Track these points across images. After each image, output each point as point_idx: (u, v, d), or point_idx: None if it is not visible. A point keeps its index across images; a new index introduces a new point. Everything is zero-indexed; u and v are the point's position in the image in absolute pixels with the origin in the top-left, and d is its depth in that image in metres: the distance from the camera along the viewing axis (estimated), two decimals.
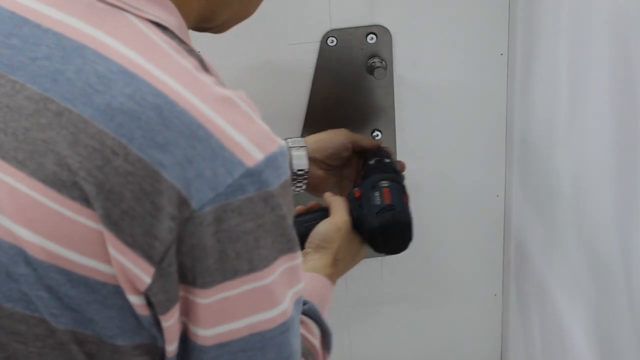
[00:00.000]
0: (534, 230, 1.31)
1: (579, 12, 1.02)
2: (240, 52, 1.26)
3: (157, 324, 0.66)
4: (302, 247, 1.12)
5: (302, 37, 1.29)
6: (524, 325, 1.42)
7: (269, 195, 0.64)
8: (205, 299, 0.64)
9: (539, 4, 1.17)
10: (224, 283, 0.64)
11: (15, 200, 0.63)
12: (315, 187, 1.23)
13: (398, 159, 1.33)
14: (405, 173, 1.27)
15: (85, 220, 0.62)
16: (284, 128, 1.31)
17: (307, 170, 1.19)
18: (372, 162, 1.23)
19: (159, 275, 0.63)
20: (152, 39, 0.65)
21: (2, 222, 0.63)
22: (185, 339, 0.67)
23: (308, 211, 1.19)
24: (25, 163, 0.62)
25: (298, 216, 1.18)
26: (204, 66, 0.67)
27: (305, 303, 0.91)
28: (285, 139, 1.21)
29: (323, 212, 1.17)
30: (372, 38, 1.29)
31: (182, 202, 0.61)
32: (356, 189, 1.18)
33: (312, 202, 1.22)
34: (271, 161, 0.64)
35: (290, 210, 0.68)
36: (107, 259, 0.63)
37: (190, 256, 0.63)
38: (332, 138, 1.24)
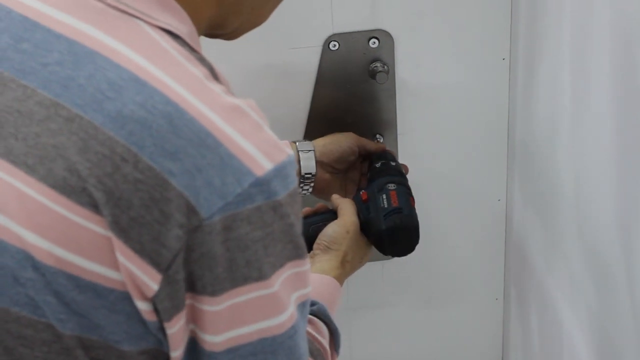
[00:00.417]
0: (535, 235, 1.31)
1: (580, 16, 1.02)
2: (242, 55, 1.26)
3: (164, 330, 0.66)
4: (310, 249, 1.12)
5: (304, 42, 1.29)
6: (524, 329, 1.42)
7: (277, 204, 0.64)
8: (215, 306, 0.65)
9: (541, 8, 1.17)
10: (234, 290, 0.65)
11: (24, 205, 0.63)
12: (321, 190, 1.24)
13: (400, 162, 1.33)
14: (408, 176, 1.27)
15: (93, 226, 0.62)
16: (286, 132, 1.31)
17: (314, 173, 1.20)
18: (378, 165, 1.23)
19: (166, 283, 0.63)
20: (163, 46, 0.65)
21: (11, 226, 0.63)
22: (194, 346, 0.68)
23: (315, 213, 1.20)
24: (35, 168, 0.62)
25: (305, 218, 1.18)
26: (215, 75, 0.67)
27: (314, 304, 0.92)
28: (294, 142, 1.21)
29: (330, 214, 1.17)
30: (375, 42, 1.29)
31: (191, 211, 0.61)
32: (363, 191, 1.19)
33: (320, 204, 1.22)
34: (280, 170, 0.64)
35: (298, 218, 0.68)
36: (115, 265, 0.63)
37: (200, 265, 0.63)
38: (340, 141, 1.25)
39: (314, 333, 0.87)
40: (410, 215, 1.16)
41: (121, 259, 0.62)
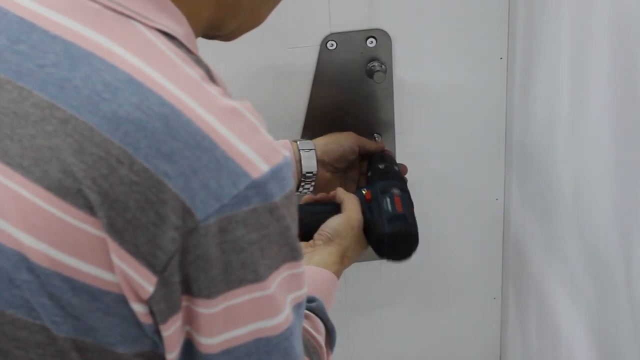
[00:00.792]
0: (533, 234, 1.31)
1: (579, 15, 1.02)
2: (240, 55, 1.26)
3: (159, 332, 0.66)
4: (310, 237, 1.13)
5: (302, 41, 1.29)
6: (523, 328, 1.42)
7: (273, 207, 0.64)
8: (211, 308, 0.64)
9: (539, 7, 1.17)
10: (229, 292, 0.64)
11: (19, 207, 0.63)
12: (321, 189, 1.24)
13: (398, 162, 1.33)
14: (406, 176, 1.27)
15: (89, 228, 0.62)
16: (284, 132, 1.31)
17: (315, 172, 1.20)
18: (381, 166, 1.24)
19: (162, 285, 0.63)
20: (159, 48, 0.65)
21: (6, 228, 0.63)
22: (190, 348, 0.67)
23: (316, 202, 1.20)
24: (30, 170, 0.62)
25: (306, 205, 1.19)
26: (211, 76, 0.67)
27: (313, 300, 0.92)
28: (295, 141, 1.22)
29: (333, 207, 1.17)
30: (372, 42, 1.29)
31: (187, 213, 0.61)
32: (366, 190, 1.19)
33: (321, 193, 1.22)
34: (276, 172, 0.64)
35: (294, 220, 0.68)
36: (110, 267, 0.62)
37: (195, 267, 0.63)
38: (340, 141, 1.26)
39: (310, 330, 0.87)
40: (413, 224, 1.17)
41: (116, 260, 0.62)
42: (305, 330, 0.86)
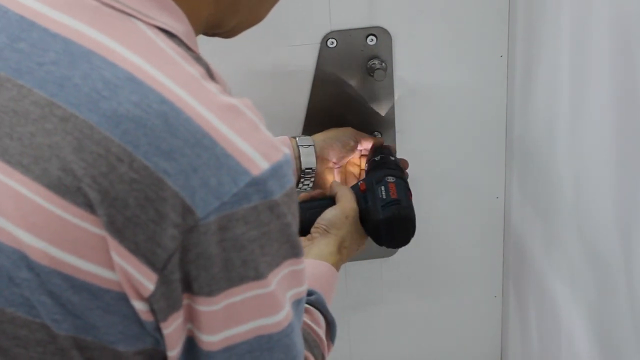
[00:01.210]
0: (533, 232, 1.31)
1: (579, 14, 1.02)
2: (240, 53, 1.26)
3: (160, 330, 0.66)
4: (307, 233, 1.13)
5: (302, 39, 1.29)
6: (523, 326, 1.42)
7: (274, 204, 0.64)
8: (211, 306, 0.64)
9: (539, 5, 1.17)
10: (230, 290, 0.64)
11: (19, 205, 0.63)
12: (321, 185, 1.25)
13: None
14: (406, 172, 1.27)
15: (88, 226, 0.62)
16: (284, 129, 1.31)
17: (314, 168, 1.21)
18: (377, 158, 1.24)
19: (162, 282, 0.63)
20: (159, 45, 0.65)
21: (5, 226, 0.63)
22: (191, 345, 0.67)
23: (312, 198, 1.21)
24: (30, 168, 0.62)
25: (302, 203, 1.19)
26: (211, 74, 0.67)
27: (312, 293, 0.92)
28: (294, 137, 1.22)
29: (328, 201, 1.18)
30: (372, 39, 1.29)
31: (187, 211, 0.61)
32: (361, 182, 1.19)
33: (317, 190, 1.22)
34: (276, 170, 0.64)
35: (294, 217, 0.67)
36: (110, 265, 0.62)
37: (196, 265, 0.63)
38: (339, 136, 1.26)
39: (310, 323, 0.87)
40: (409, 207, 1.17)
41: (116, 258, 0.62)
42: (305, 323, 0.86)
